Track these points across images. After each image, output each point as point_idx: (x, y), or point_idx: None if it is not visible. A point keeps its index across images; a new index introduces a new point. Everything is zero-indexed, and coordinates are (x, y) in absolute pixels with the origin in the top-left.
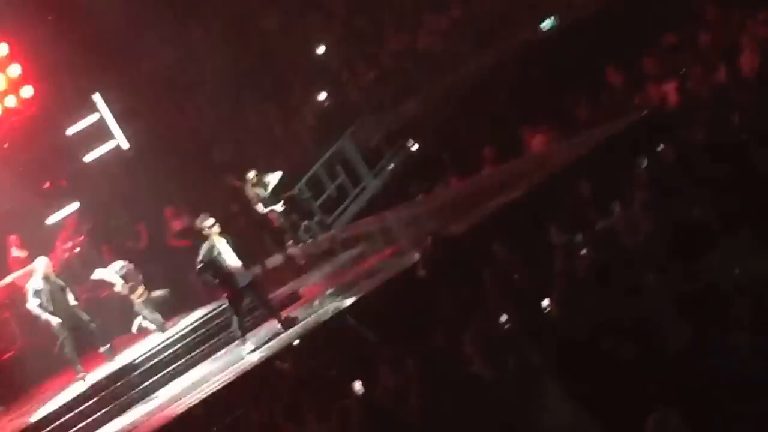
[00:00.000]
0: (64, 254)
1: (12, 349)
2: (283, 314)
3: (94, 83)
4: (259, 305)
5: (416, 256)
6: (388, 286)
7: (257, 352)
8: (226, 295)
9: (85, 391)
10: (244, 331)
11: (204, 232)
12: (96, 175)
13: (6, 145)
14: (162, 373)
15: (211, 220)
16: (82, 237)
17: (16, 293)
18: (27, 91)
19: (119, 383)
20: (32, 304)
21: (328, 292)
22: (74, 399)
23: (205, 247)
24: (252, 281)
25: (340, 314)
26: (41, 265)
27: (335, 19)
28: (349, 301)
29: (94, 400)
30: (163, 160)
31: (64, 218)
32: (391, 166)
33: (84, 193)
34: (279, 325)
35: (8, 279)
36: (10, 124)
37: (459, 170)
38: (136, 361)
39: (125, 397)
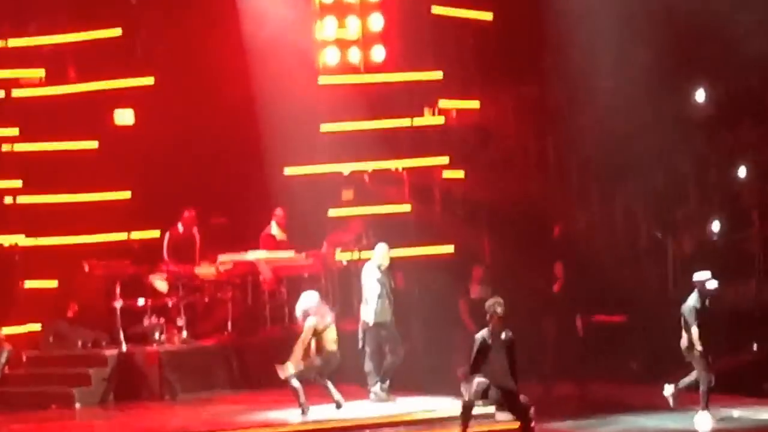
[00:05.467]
0: (328, 259)
1: (217, 338)
2: None
3: None
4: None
5: None
6: None
7: None
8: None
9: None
10: None
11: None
12: None
13: None
14: None
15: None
16: (355, 248)
17: (252, 276)
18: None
19: None
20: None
21: None
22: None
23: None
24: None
25: None
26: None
27: None
28: None
29: None
30: None
31: (348, 219)
32: None
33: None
34: None
35: (254, 256)
36: None
37: None
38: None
39: None
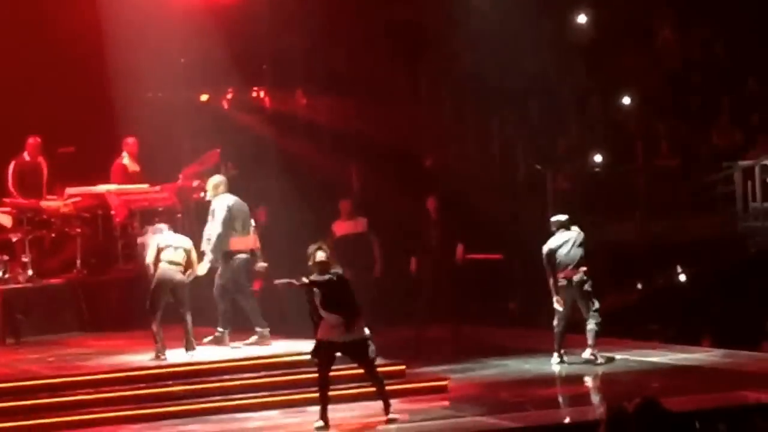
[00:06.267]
0: (184, 191)
1: (63, 275)
2: (391, 405)
3: None
4: (367, 375)
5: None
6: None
7: None
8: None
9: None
10: (324, 401)
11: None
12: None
13: None
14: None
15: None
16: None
17: (103, 210)
18: None
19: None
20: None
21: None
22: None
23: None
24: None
25: None
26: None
27: None
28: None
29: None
30: None
31: (205, 153)
32: None
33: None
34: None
35: (104, 188)
36: None
37: None
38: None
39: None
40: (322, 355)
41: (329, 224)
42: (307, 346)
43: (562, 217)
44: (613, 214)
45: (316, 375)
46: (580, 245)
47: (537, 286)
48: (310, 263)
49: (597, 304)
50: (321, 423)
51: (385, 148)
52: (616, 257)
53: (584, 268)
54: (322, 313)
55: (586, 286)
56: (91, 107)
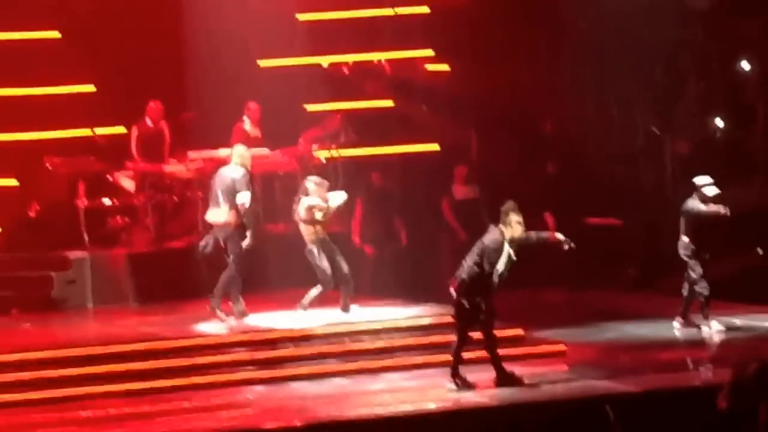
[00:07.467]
0: (304, 156)
1: (185, 239)
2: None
3: None
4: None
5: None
6: (675, 396)
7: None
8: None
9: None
10: (456, 366)
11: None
12: None
13: None
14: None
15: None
16: (334, 146)
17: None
18: None
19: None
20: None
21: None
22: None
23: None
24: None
25: (597, 399)
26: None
27: None
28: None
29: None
30: None
31: (326, 114)
32: None
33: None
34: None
35: (226, 153)
36: None
37: None
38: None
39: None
40: (471, 317)
41: (444, 189)
42: (419, 310)
43: (696, 179)
44: (732, 178)
45: (457, 337)
46: (682, 214)
47: (656, 252)
48: (512, 220)
49: (697, 275)
50: (455, 386)
51: (503, 112)
52: (736, 222)
53: (686, 238)
54: (500, 276)
55: (682, 254)
56: (214, 73)
